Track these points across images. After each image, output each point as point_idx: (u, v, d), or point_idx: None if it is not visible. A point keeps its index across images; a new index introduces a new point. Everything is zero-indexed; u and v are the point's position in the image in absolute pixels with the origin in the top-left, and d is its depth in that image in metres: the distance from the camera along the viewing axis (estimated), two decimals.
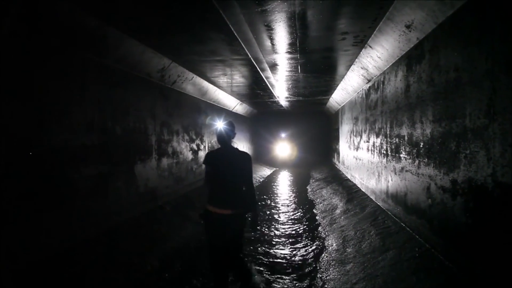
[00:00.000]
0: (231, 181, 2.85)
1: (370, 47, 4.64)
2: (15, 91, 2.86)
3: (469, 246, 2.56)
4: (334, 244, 4.54)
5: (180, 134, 6.71)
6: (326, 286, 3.46)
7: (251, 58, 5.39)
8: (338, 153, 11.68)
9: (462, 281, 2.56)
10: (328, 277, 3.64)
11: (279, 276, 3.82)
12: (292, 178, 13.06)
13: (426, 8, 2.98)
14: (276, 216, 6.79)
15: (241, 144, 13.59)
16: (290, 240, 5.16)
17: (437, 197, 3.12)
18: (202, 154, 8.16)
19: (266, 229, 5.75)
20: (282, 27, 4.00)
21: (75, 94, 3.63)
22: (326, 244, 4.70)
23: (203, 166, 3.04)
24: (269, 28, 4.05)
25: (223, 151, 2.95)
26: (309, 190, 9.77)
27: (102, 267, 3.44)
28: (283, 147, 17.99)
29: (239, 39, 4.34)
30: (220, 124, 2.97)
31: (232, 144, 2.99)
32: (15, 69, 2.86)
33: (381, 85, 5.26)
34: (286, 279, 3.75)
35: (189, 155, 7.30)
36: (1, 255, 2.68)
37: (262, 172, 13.97)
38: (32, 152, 3.02)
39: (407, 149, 3.98)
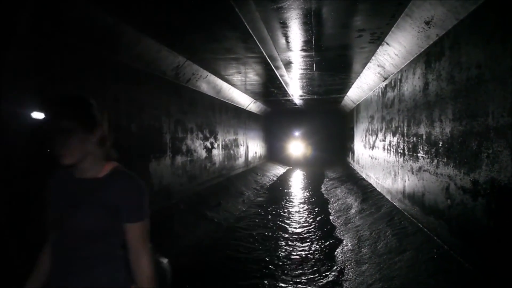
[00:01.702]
0: (86, 244, 1.27)
1: (387, 44, 4.55)
2: (33, 88, 2.93)
3: (490, 248, 2.48)
4: (349, 244, 4.49)
5: (194, 132, 6.75)
6: (342, 286, 3.43)
7: (266, 56, 5.37)
8: (353, 152, 11.53)
9: (482, 284, 2.48)
10: (342, 277, 3.60)
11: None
12: (306, 177, 12.99)
13: (447, 3, 2.89)
14: (289, 214, 6.77)
15: (255, 143, 13.56)
16: (303, 240, 5.13)
17: (457, 197, 3.03)
18: (215, 152, 8.20)
19: (279, 229, 5.74)
20: (298, 24, 3.97)
21: (92, 91, 3.70)
22: (340, 243, 4.65)
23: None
24: (284, 26, 4.02)
25: (74, 174, 1.39)
26: (323, 189, 9.69)
27: None
28: (297, 146, 17.86)
29: (254, 37, 4.32)
30: (40, 115, 1.13)
31: (92, 157, 1.36)
32: (32, 66, 2.93)
33: (398, 83, 5.16)
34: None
35: (203, 153, 7.34)
36: (22, 254, 2.75)
37: (275, 171, 13.95)
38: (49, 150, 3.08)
39: (425, 148, 3.89)
